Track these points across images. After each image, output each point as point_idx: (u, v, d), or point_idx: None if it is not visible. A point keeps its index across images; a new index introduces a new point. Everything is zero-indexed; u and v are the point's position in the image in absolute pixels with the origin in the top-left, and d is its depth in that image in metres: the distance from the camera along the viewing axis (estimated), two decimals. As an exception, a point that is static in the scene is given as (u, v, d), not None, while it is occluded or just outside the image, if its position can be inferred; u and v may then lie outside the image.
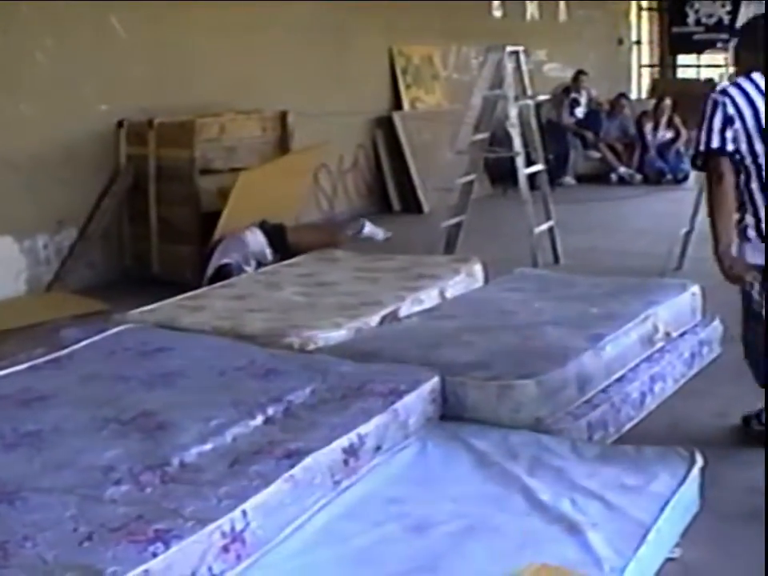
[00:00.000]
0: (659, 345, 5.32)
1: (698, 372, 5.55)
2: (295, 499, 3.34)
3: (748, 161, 4.20)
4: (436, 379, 4.26)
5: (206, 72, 8.54)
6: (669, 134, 13.31)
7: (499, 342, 4.82)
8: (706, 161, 4.24)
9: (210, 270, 7.26)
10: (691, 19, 16.85)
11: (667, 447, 4.04)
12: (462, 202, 8.61)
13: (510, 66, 8.24)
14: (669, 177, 12.92)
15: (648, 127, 13.36)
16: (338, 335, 5.11)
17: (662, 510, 3.53)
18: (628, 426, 4.75)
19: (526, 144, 8.40)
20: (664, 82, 17.20)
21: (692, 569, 3.52)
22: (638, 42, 17.38)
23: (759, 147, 4.16)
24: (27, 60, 7.38)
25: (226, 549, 3.02)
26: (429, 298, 5.86)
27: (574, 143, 13.05)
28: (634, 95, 16.46)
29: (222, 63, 8.62)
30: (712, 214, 4.20)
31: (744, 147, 4.18)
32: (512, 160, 8.34)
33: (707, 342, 5.72)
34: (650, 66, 17.72)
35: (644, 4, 17.40)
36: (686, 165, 13.09)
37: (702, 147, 4.21)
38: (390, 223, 10.34)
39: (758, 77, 4.21)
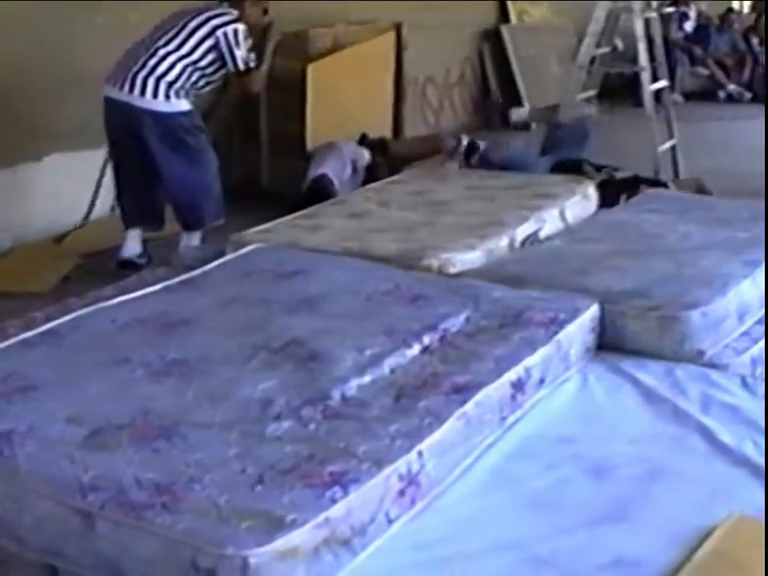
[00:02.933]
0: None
1: None
2: (466, 438, 3.11)
3: None
4: (595, 308, 4.00)
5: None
6: (778, 51, 12.86)
7: (652, 267, 4.52)
8: None
9: (307, 181, 7.05)
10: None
11: None
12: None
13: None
14: (781, 94, 12.43)
15: (755, 43, 12.91)
16: (472, 257, 4.85)
17: None
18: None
19: (651, 59, 8.07)
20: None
21: None
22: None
23: None
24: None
25: (402, 492, 2.80)
26: (551, 218, 5.55)
27: (681, 59, 12.62)
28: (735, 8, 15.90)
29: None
30: None
31: None
32: (629, 75, 8.01)
33: None
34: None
35: None
36: (799, 83, 12.70)
37: None
38: (493, 137, 10.09)
39: None
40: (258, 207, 6.97)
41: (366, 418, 3.06)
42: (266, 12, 6.66)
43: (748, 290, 4.36)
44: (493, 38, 10.58)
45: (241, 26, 6.34)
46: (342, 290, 4.12)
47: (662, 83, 8.05)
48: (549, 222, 5.49)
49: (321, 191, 7.12)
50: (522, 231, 5.27)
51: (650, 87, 7.75)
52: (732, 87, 12.51)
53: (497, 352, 3.53)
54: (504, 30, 10.66)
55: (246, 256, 4.66)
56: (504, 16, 10.92)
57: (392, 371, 3.41)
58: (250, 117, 7.48)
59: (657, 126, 7.77)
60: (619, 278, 4.36)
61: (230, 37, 6.26)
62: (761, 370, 4.21)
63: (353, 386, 3.26)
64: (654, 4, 8.17)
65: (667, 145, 7.93)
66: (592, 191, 6.07)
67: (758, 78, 12.56)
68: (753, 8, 15.70)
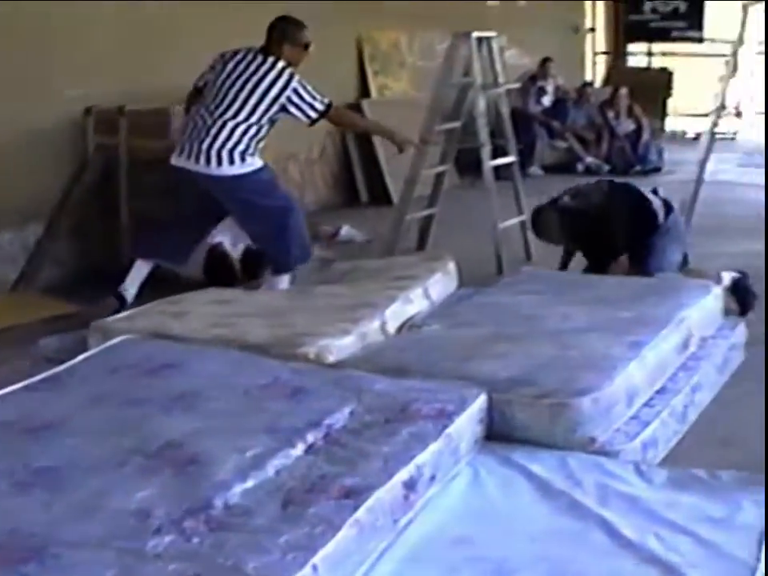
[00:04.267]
0: (692, 350, 4.98)
1: (729, 379, 5.22)
2: (359, 546, 2.92)
3: None
4: (483, 397, 3.86)
5: (181, 54, 8.10)
6: (631, 125, 13.06)
7: (536, 352, 4.42)
8: None
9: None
10: (647, 7, 16.62)
11: (745, 471, 3.68)
12: (434, 194, 8.27)
13: (478, 52, 7.85)
14: (637, 168, 12.60)
15: (611, 116, 13.10)
16: (348, 342, 4.70)
17: (760, 546, 3.16)
18: (673, 442, 4.40)
19: (495, 134, 8.05)
20: (618, 70, 16.96)
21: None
22: (593, 30, 17.08)
23: None
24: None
25: (295, 611, 2.59)
26: (416, 297, 5.47)
27: (540, 132, 12.72)
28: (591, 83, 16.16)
29: (197, 44, 8.15)
30: None
31: None
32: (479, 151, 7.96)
33: (736, 346, 5.39)
34: (605, 53, 17.43)
35: (600, -9, 17.12)
36: (655, 156, 12.88)
37: None
38: (358, 215, 9.98)
39: None
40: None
41: (253, 528, 2.84)
42: (307, 47, 6.48)
43: (635, 372, 4.28)
44: (354, 112, 10.49)
45: (296, 79, 6.24)
46: (217, 385, 3.91)
47: (510, 158, 8.03)
48: (415, 302, 5.40)
49: (216, 261, 7.09)
50: (392, 313, 5.16)
51: (489, 163, 7.70)
52: (590, 160, 12.64)
53: (385, 449, 3.35)
54: (365, 104, 10.59)
55: (112, 349, 4.42)
56: (365, 90, 10.89)
57: (277, 473, 3.20)
58: (109, 197, 7.24)
59: (503, 202, 7.74)
60: (504, 365, 4.23)
61: (295, 99, 6.21)
62: (653, 454, 4.13)
63: (236, 492, 3.04)
64: (502, 80, 8.14)
65: (514, 220, 7.91)
66: (452, 268, 5.98)
67: (614, 151, 12.74)
68: (607, 82, 15.99)
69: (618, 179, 7.48)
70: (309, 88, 6.24)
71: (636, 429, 4.11)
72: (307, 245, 6.63)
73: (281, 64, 6.24)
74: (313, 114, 6.27)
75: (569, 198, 6.62)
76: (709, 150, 7.46)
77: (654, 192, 6.66)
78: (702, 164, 7.55)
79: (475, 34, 7.80)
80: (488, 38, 7.97)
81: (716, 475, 3.66)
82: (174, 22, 8.30)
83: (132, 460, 3.24)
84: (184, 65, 7.95)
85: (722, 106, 7.65)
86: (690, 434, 4.53)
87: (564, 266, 6.80)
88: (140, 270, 6.54)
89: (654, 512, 3.36)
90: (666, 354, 4.63)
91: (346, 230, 7.98)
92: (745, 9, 7.45)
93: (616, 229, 6.41)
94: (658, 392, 4.47)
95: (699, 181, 7.55)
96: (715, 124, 7.46)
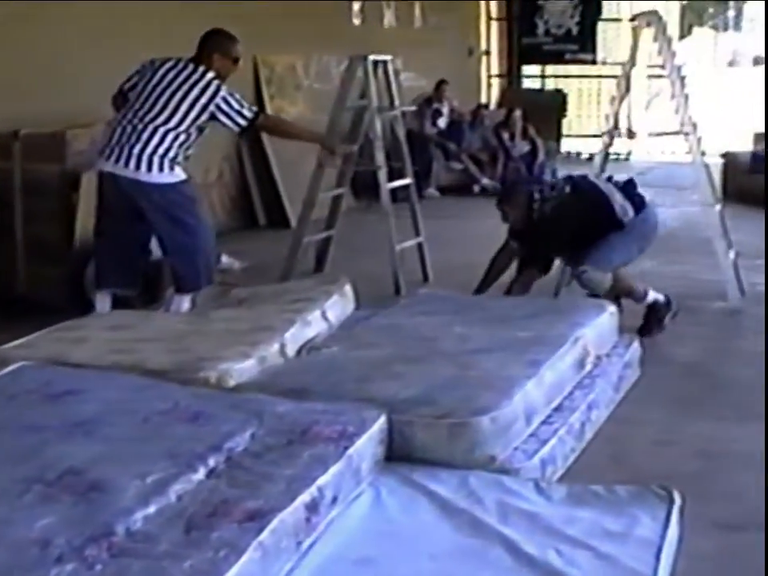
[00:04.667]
0: (588, 369, 5.06)
1: (624, 396, 5.32)
2: (263, 569, 2.92)
3: None
4: (383, 419, 3.88)
5: (77, 77, 8.07)
6: (526, 147, 13.23)
7: (435, 372, 4.47)
8: None
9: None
10: (540, 30, 16.86)
11: (641, 486, 3.75)
12: (331, 217, 8.30)
13: (373, 76, 7.91)
14: (533, 188, 12.74)
15: (506, 138, 13.26)
16: (248, 366, 4.70)
17: (657, 558, 3.23)
18: (572, 459, 4.47)
19: (391, 157, 8.11)
20: (513, 92, 17.18)
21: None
22: (488, 52, 17.28)
23: None
24: None
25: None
26: (315, 319, 5.48)
27: (436, 154, 12.83)
28: (485, 105, 16.34)
29: (93, 68, 8.12)
30: None
31: None
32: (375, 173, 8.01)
33: (630, 364, 5.50)
34: (499, 76, 17.63)
35: (493, 14, 17.29)
36: (549, 177, 13.03)
37: None
38: (257, 239, 9.98)
39: None
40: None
41: (156, 554, 2.83)
42: (236, 61, 6.57)
43: (533, 391, 4.35)
44: (251, 135, 10.49)
45: (223, 89, 6.33)
46: (117, 411, 3.88)
47: (404, 181, 8.09)
48: (314, 324, 5.42)
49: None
50: (291, 336, 5.17)
51: (386, 185, 7.76)
52: (486, 181, 12.78)
53: (287, 472, 3.36)
54: (262, 128, 10.60)
55: (10, 375, 4.37)
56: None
57: (179, 498, 3.19)
58: (3, 222, 7.12)
59: (401, 224, 7.80)
60: (403, 385, 4.28)
61: (224, 107, 6.30)
62: (552, 471, 4.20)
63: (138, 518, 3.03)
64: (397, 102, 8.20)
65: (411, 242, 7.97)
66: (349, 290, 6.01)
67: (510, 172, 12.88)
68: (501, 103, 16.17)
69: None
70: (237, 97, 6.36)
71: (535, 446, 4.18)
72: (212, 267, 6.69)
73: (210, 74, 6.33)
74: (242, 122, 6.36)
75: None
76: (602, 171, 7.57)
77: (628, 184, 6.76)
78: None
79: (371, 58, 7.86)
80: (383, 62, 8.03)
81: (613, 490, 3.72)
82: (71, 46, 8.23)
83: (32, 488, 3.20)
84: (80, 89, 7.92)
85: (615, 127, 7.76)
86: (587, 451, 4.61)
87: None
88: (102, 303, 6.58)
89: (553, 528, 3.42)
90: (563, 373, 4.72)
91: (225, 259, 7.95)
92: (635, 30, 7.59)
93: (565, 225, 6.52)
94: (555, 410, 4.55)
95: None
96: (607, 144, 7.58)
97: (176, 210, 6.36)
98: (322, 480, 3.35)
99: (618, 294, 6.46)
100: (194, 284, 6.52)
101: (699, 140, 7.25)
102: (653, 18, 7.51)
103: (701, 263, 7.04)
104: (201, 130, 6.41)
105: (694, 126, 7.28)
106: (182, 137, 6.30)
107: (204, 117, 6.29)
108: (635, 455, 4.65)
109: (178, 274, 6.55)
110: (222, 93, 6.28)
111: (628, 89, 7.66)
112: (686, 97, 7.39)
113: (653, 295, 6.58)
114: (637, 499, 3.65)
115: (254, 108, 6.45)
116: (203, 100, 6.26)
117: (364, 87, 7.90)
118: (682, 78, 7.32)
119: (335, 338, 5.29)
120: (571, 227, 6.42)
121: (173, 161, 6.30)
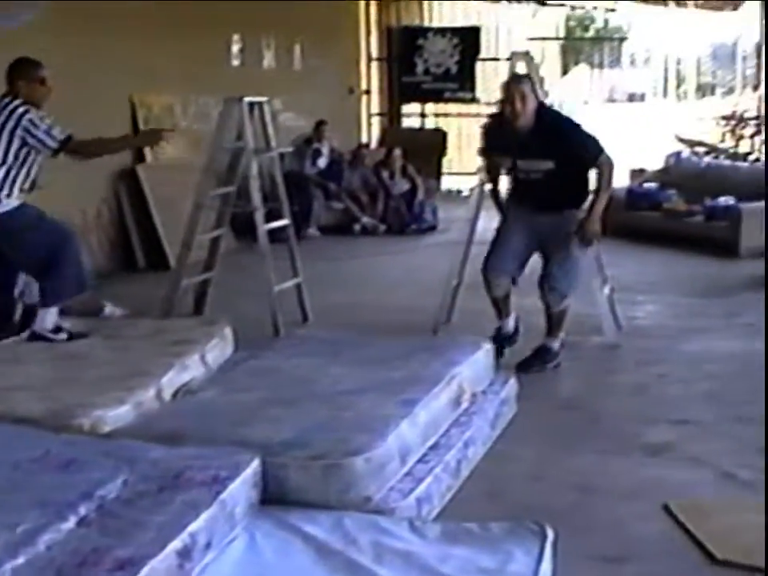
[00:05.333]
0: (465, 407, 5.12)
1: (501, 433, 5.38)
2: (133, 619, 2.91)
3: None
4: (257, 462, 3.88)
5: None
6: (406, 185, 13.32)
7: (309, 414, 4.49)
8: None
9: None
10: (420, 69, 17.01)
11: (515, 522, 3.81)
12: (210, 259, 8.27)
13: (250, 117, 7.93)
14: (413, 227, 12.88)
15: (386, 177, 13.34)
16: (123, 412, 4.66)
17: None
18: (448, 497, 4.50)
19: (268, 197, 8.12)
20: (393, 131, 17.29)
21: None
22: (368, 92, 17.39)
23: None
24: None
25: None
26: (193, 363, 5.47)
27: (316, 194, 12.83)
28: (366, 144, 16.44)
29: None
30: None
31: None
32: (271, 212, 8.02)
33: (507, 400, 5.56)
34: (380, 114, 17.75)
35: (373, 54, 17.42)
36: (430, 215, 13.17)
37: None
38: (136, 282, 9.88)
39: None
40: None
41: (23, 607, 2.80)
42: (43, 82, 6.47)
43: (408, 430, 4.39)
44: (129, 177, 10.46)
45: (32, 112, 6.26)
46: (-15, 461, 3.83)
47: (282, 222, 8.09)
48: (192, 368, 5.40)
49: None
50: (169, 380, 5.15)
51: (263, 226, 7.75)
52: (366, 220, 12.82)
53: (158, 519, 3.35)
54: (140, 169, 10.53)
55: None
56: (140, 155, 10.82)
57: (48, 548, 3.16)
58: None
59: (280, 264, 7.79)
60: (278, 428, 4.29)
61: (32, 129, 6.23)
62: (428, 510, 4.23)
63: (7, 570, 3.00)
64: (274, 143, 8.20)
65: (290, 283, 7.97)
66: (228, 332, 5.99)
67: (390, 211, 12.96)
68: (382, 142, 16.27)
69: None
70: (47, 120, 6.31)
71: (410, 486, 4.21)
72: (84, 277, 6.63)
73: (17, 101, 6.30)
74: (51, 143, 6.28)
75: None
76: (478, 208, 7.66)
77: None
78: (472, 222, 7.74)
79: (247, 99, 7.86)
80: (260, 103, 8.04)
81: (487, 527, 3.77)
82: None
83: None
84: None
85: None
86: (464, 488, 4.65)
87: None
88: None
89: (428, 566, 3.46)
90: (439, 411, 4.76)
91: (108, 309, 7.87)
92: (512, 68, 7.74)
93: None
94: (431, 448, 4.59)
95: (470, 239, 7.74)
96: (483, 181, 7.67)
97: (22, 231, 6.35)
98: (193, 526, 3.34)
99: (556, 316, 6.66)
100: (57, 295, 6.46)
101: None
102: (526, 58, 7.65)
103: (579, 299, 7.15)
104: (24, 160, 6.37)
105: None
106: (13, 171, 6.29)
107: (16, 143, 6.26)
108: (512, 491, 4.68)
109: (43, 289, 6.49)
110: (29, 116, 6.25)
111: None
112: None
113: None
114: (510, 535, 3.70)
115: (67, 131, 6.36)
116: (12, 126, 6.25)
117: (240, 129, 7.90)
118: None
119: (212, 381, 5.28)
120: None
121: (7, 195, 6.30)
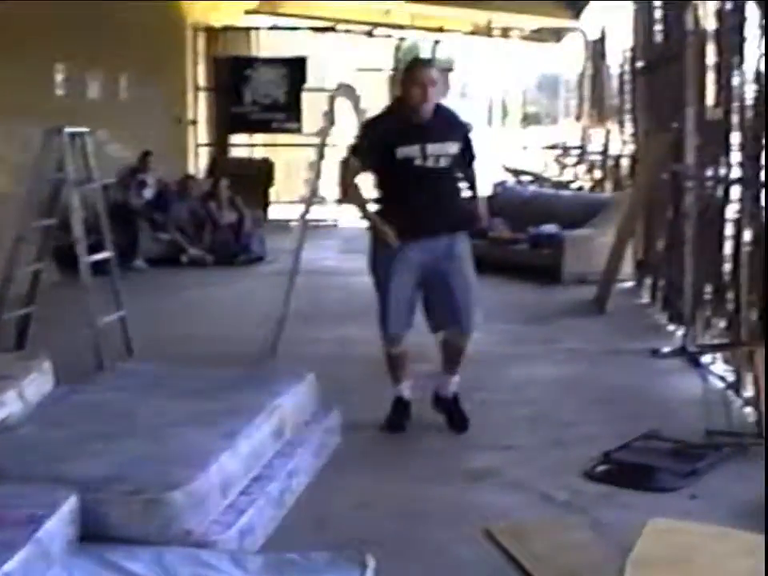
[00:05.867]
0: (287, 437, 5.13)
1: (326, 462, 5.40)
2: None
3: None
4: (74, 499, 3.83)
5: None
6: (233, 216, 13.30)
7: (130, 449, 4.44)
8: None
9: None
10: (248, 99, 17.03)
11: (336, 552, 3.83)
12: (31, 292, 8.12)
13: (71, 148, 7.82)
14: (241, 258, 12.86)
15: (213, 208, 13.30)
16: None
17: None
18: (271, 528, 4.51)
19: (91, 230, 8.02)
20: (221, 161, 17.23)
21: None
22: (195, 122, 17.30)
23: None
24: None
25: None
26: (11, 400, 5.30)
27: (143, 226, 12.71)
28: (192, 175, 16.34)
29: None
30: None
31: None
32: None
33: (331, 430, 5.59)
34: (208, 145, 17.68)
35: (201, 83, 17.35)
36: (257, 245, 13.15)
37: None
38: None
39: None
40: None
41: None
42: None
43: (229, 462, 4.38)
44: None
45: None
46: None
47: (104, 254, 7.97)
48: (9, 404, 5.22)
49: None
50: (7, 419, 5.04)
51: (85, 259, 7.63)
52: (194, 251, 12.72)
53: (-30, 560, 3.27)
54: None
55: None
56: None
57: None
58: None
59: (103, 297, 7.68)
60: (98, 464, 4.24)
61: None
62: (251, 541, 4.23)
63: None
64: (97, 175, 8.07)
65: (114, 316, 7.86)
66: (48, 367, 5.88)
67: (218, 242, 12.91)
68: (210, 173, 16.18)
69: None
70: None
71: (232, 518, 4.21)
72: None
73: None
74: None
75: None
76: (302, 238, 7.70)
77: None
78: (297, 252, 7.78)
79: (67, 130, 7.75)
80: (81, 133, 7.93)
81: (309, 557, 3.80)
82: None
83: None
84: None
85: (313, 193, 7.93)
86: (288, 518, 4.66)
87: None
88: None
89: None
90: (261, 442, 4.77)
91: None
92: (331, 99, 7.82)
93: None
94: (254, 480, 4.59)
95: (294, 269, 7.77)
96: (307, 211, 7.71)
97: None
98: (8, 566, 3.28)
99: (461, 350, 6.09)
100: None
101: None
102: (348, 91, 7.74)
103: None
104: None
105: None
106: None
107: None
108: (337, 520, 4.70)
109: None
110: None
111: (322, 155, 7.84)
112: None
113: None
114: (331, 565, 3.74)
115: None
116: None
117: (61, 160, 7.77)
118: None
119: (31, 417, 5.16)
120: None
121: None
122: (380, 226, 5.79)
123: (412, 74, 5.79)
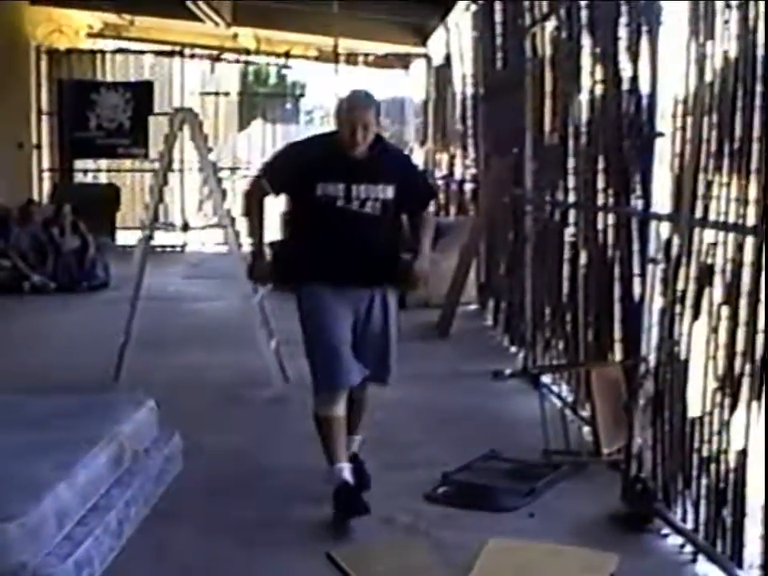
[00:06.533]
0: (126, 465, 5.06)
1: (166, 490, 5.34)
2: None
3: None
4: None
5: None
6: (76, 242, 13.10)
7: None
8: None
9: None
10: (93, 124, 16.83)
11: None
12: None
13: None
14: (84, 284, 12.69)
15: (56, 233, 13.10)
16: None
17: None
18: (111, 559, 4.44)
19: None
20: (64, 187, 17.01)
21: None
22: (39, 146, 17.04)
23: None
24: None
25: None
26: None
27: (-18, 253, 12.46)
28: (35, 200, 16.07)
29: None
30: None
31: None
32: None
33: (172, 457, 5.54)
34: (51, 170, 17.42)
35: (44, 107, 17.09)
36: (102, 272, 12.98)
37: None
38: None
39: None
40: None
41: None
42: None
43: (65, 492, 4.30)
44: None
45: None
46: None
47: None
48: None
49: None
50: None
51: None
52: (36, 278, 12.49)
53: None
54: None
55: None
56: None
57: None
58: None
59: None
60: None
61: None
62: (88, 573, 4.17)
63: None
64: None
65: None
66: None
67: (60, 268, 12.70)
68: (53, 198, 15.91)
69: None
70: None
71: (68, 549, 4.13)
72: None
73: None
74: None
75: None
76: (143, 263, 7.62)
77: None
78: (138, 277, 7.69)
79: None
80: None
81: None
82: None
83: None
84: None
85: (154, 218, 7.86)
86: (128, 548, 4.60)
87: None
88: None
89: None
90: (98, 471, 4.70)
91: None
92: (171, 123, 7.77)
93: None
94: (91, 510, 4.51)
95: (135, 295, 7.69)
96: (149, 237, 7.64)
97: None
98: None
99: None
100: None
101: (238, 233, 7.43)
102: (189, 115, 7.70)
103: (249, 353, 7.19)
104: None
105: (232, 219, 7.48)
106: None
107: None
108: (177, 550, 4.64)
109: None
110: None
111: (166, 181, 7.80)
112: (224, 192, 7.61)
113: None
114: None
115: None
116: None
117: None
118: (217, 173, 7.52)
119: None
120: None
121: None
122: (257, 259, 5.29)
123: (346, 112, 5.03)
